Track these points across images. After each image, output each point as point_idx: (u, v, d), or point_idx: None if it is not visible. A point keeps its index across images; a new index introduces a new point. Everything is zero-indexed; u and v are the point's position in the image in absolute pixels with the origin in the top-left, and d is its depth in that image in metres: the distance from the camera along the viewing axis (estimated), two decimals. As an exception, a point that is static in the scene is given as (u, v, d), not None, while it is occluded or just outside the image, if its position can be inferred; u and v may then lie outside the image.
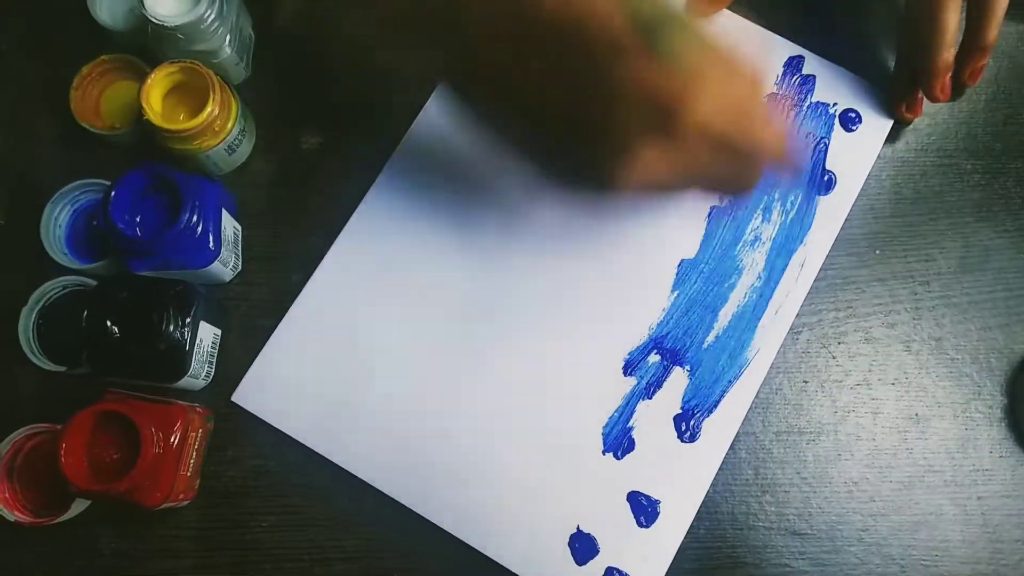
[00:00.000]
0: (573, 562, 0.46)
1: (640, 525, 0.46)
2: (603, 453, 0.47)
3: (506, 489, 0.47)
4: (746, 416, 0.48)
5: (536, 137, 0.38)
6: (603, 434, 0.48)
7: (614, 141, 0.35)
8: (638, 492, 0.47)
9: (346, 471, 0.47)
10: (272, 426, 0.47)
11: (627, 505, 0.47)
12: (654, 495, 0.47)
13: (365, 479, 0.47)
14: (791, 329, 0.49)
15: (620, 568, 0.46)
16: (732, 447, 0.48)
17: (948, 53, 0.48)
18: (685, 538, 0.46)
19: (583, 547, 0.46)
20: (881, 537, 0.47)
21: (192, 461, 0.45)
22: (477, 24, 0.35)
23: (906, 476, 0.48)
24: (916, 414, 0.49)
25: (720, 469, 0.47)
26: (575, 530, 0.46)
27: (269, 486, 0.47)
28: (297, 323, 0.49)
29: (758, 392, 0.48)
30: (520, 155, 0.40)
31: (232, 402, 0.48)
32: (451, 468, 0.47)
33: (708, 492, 0.47)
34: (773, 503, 0.47)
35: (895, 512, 0.47)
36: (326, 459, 0.47)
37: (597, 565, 0.46)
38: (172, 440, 0.43)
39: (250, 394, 0.48)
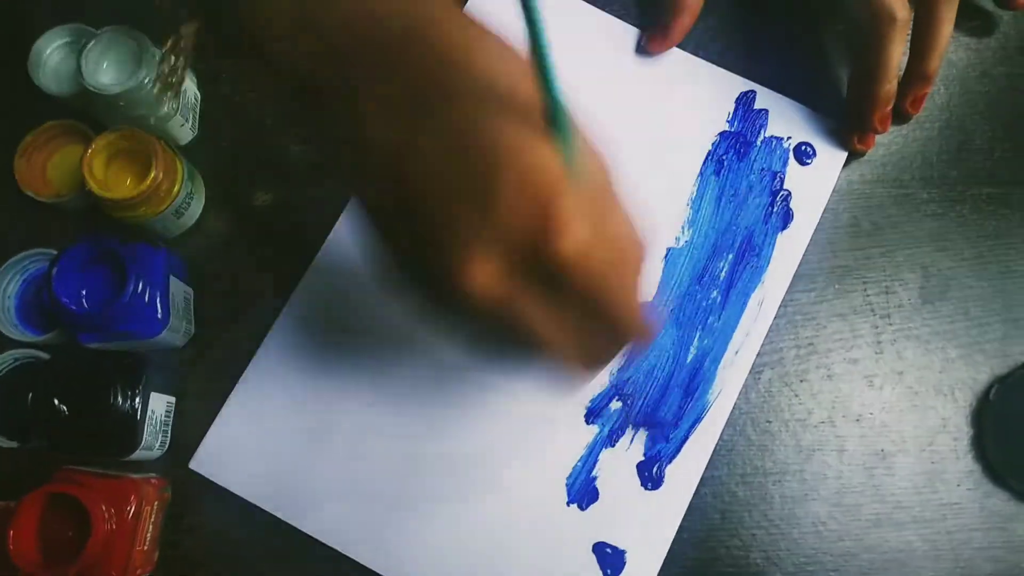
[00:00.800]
0: None
1: None
2: (567, 504, 0.47)
3: (473, 546, 0.46)
4: (710, 460, 0.47)
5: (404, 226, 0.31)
6: (567, 485, 0.47)
7: (464, 235, 0.28)
8: (604, 543, 0.46)
9: (309, 536, 0.46)
10: (231, 492, 0.47)
11: (593, 557, 0.46)
12: (620, 545, 0.46)
13: (329, 543, 0.46)
14: (752, 369, 0.49)
15: None
16: (697, 492, 0.47)
17: (890, 84, 0.48)
18: (653, 586, 0.46)
19: None
20: (852, 576, 0.47)
21: (148, 535, 0.44)
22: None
23: (874, 513, 0.47)
24: (882, 450, 0.48)
25: (686, 515, 0.47)
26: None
27: (231, 554, 0.47)
28: (252, 386, 0.48)
29: (721, 435, 0.48)
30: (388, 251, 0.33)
31: (190, 469, 0.47)
32: (415, 528, 0.46)
33: (674, 539, 0.47)
34: (740, 547, 0.47)
35: (865, 551, 0.47)
36: (288, 524, 0.46)
37: None
38: (126, 515, 0.42)
39: (207, 461, 0.47)
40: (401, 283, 0.32)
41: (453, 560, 0.46)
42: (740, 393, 0.48)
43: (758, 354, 0.49)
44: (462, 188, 0.28)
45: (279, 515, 0.46)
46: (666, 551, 0.46)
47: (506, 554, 0.46)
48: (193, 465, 0.47)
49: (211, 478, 0.47)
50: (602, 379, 0.48)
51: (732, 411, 0.48)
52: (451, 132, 0.29)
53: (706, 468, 0.47)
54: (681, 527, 0.47)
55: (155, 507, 0.44)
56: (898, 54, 0.47)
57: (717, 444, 0.48)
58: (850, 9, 0.49)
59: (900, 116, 0.51)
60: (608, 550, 0.46)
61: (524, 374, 0.35)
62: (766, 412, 0.48)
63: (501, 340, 0.32)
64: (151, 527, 0.44)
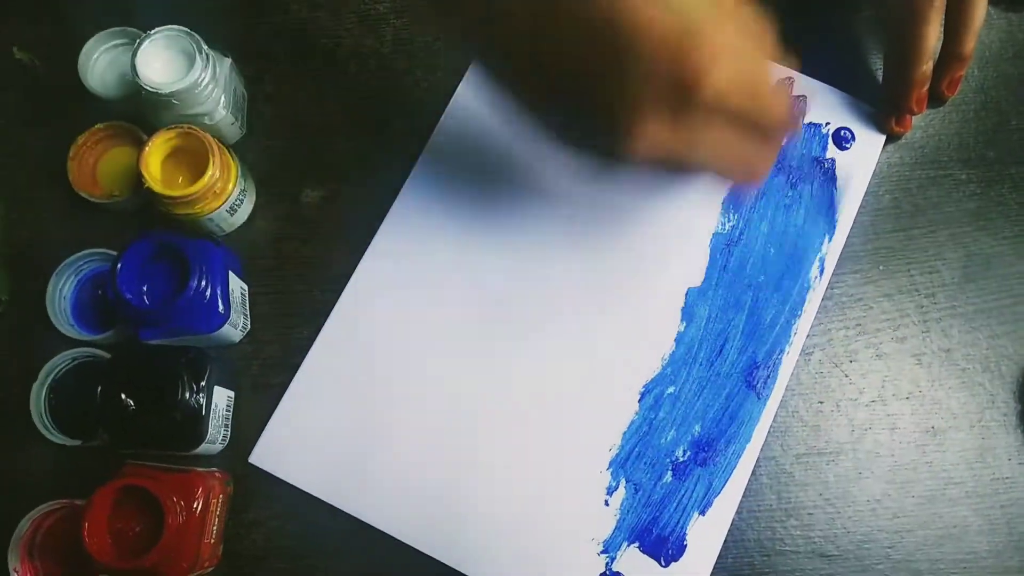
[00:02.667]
0: None
1: (663, 565, 0.46)
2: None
3: (534, 536, 0.46)
4: (765, 440, 0.48)
5: (555, 105, 0.37)
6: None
7: (624, 105, 0.33)
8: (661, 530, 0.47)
9: (370, 526, 0.47)
10: (292, 485, 0.47)
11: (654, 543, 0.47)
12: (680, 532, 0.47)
13: (390, 532, 0.46)
14: (803, 351, 0.49)
15: None
16: (754, 472, 0.48)
17: (926, 66, 0.49)
18: (715, 568, 0.46)
19: None
20: (908, 553, 0.47)
21: (215, 528, 0.44)
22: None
23: (928, 490, 0.48)
24: (932, 427, 0.49)
25: (744, 496, 0.47)
26: (605, 569, 0.46)
27: (294, 547, 0.47)
28: (310, 379, 0.49)
29: (776, 416, 0.48)
30: (540, 127, 0.38)
31: (249, 463, 0.47)
32: (476, 516, 0.47)
33: (732, 520, 0.47)
34: (798, 527, 0.47)
35: (920, 527, 0.48)
36: (348, 517, 0.47)
37: None
38: (195, 509, 0.43)
39: (267, 455, 0.47)
40: (559, 144, 0.38)
41: (513, 547, 0.46)
42: (792, 375, 0.49)
43: (808, 335, 0.49)
44: (606, 61, 0.32)
45: (340, 505, 0.47)
46: (725, 534, 0.46)
47: (567, 544, 0.46)
48: (253, 460, 0.47)
49: (272, 472, 0.47)
50: (654, 364, 0.49)
51: (784, 392, 0.49)
52: (583, 18, 0.32)
53: (761, 449, 0.48)
54: (739, 507, 0.47)
55: (220, 500, 0.45)
56: (934, 35, 0.48)
57: (771, 425, 0.48)
58: None
59: (936, 98, 0.52)
60: (669, 537, 0.47)
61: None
62: (818, 393, 0.49)
63: (674, 172, 0.38)
64: (217, 520, 0.44)
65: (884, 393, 0.49)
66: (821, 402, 0.49)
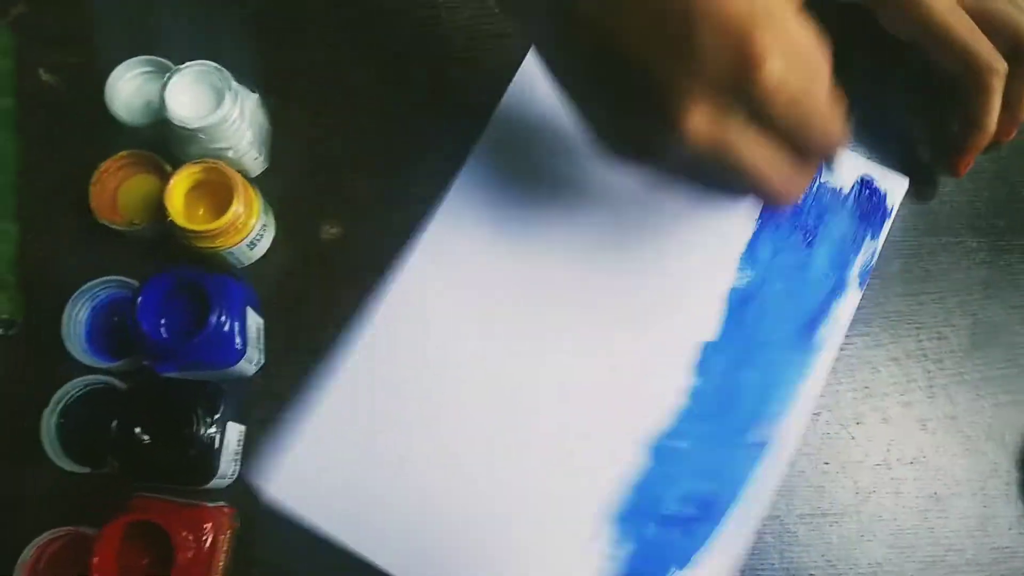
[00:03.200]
0: None
1: None
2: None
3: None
4: (771, 500, 0.48)
5: (608, 93, 0.37)
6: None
7: (677, 87, 0.33)
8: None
9: (374, 571, 0.47)
10: (298, 524, 0.47)
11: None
12: None
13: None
14: (812, 412, 0.50)
15: None
16: (757, 530, 0.48)
17: (990, 132, 0.50)
18: (714, 626, 0.47)
19: None
20: (907, 618, 0.48)
21: (221, 564, 0.44)
22: None
23: (928, 556, 0.48)
24: (935, 493, 0.49)
25: (747, 554, 0.48)
26: None
27: (297, 584, 0.47)
28: (323, 415, 0.49)
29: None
30: (589, 120, 0.39)
31: (257, 500, 0.47)
32: (489, 557, 0.47)
33: (735, 578, 0.47)
34: (799, 587, 0.48)
35: (919, 592, 0.48)
36: (354, 560, 0.47)
37: None
38: (204, 544, 0.43)
39: (277, 489, 0.47)
40: (604, 145, 0.39)
41: None
42: (799, 435, 0.49)
43: (818, 396, 0.50)
44: (667, 42, 0.33)
45: (350, 546, 0.46)
46: None
47: None
48: (263, 493, 0.47)
49: (282, 506, 0.47)
50: (663, 416, 0.49)
51: (793, 452, 0.49)
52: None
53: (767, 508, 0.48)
54: (741, 566, 0.47)
55: (228, 536, 0.45)
56: (999, 103, 0.49)
57: (779, 484, 0.49)
58: (938, 65, 0.50)
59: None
60: None
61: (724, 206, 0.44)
62: (824, 453, 0.49)
63: (708, 179, 0.39)
64: (224, 557, 0.44)
65: (889, 457, 0.50)
66: (827, 463, 0.49)
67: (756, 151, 0.35)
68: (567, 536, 0.47)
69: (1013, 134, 0.52)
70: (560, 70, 0.39)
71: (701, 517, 0.48)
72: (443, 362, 0.50)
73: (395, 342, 0.50)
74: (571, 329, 0.51)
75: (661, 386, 0.50)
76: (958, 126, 0.51)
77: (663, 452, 0.49)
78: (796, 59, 0.33)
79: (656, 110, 0.34)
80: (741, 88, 0.33)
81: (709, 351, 0.50)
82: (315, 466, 0.48)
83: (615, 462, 0.48)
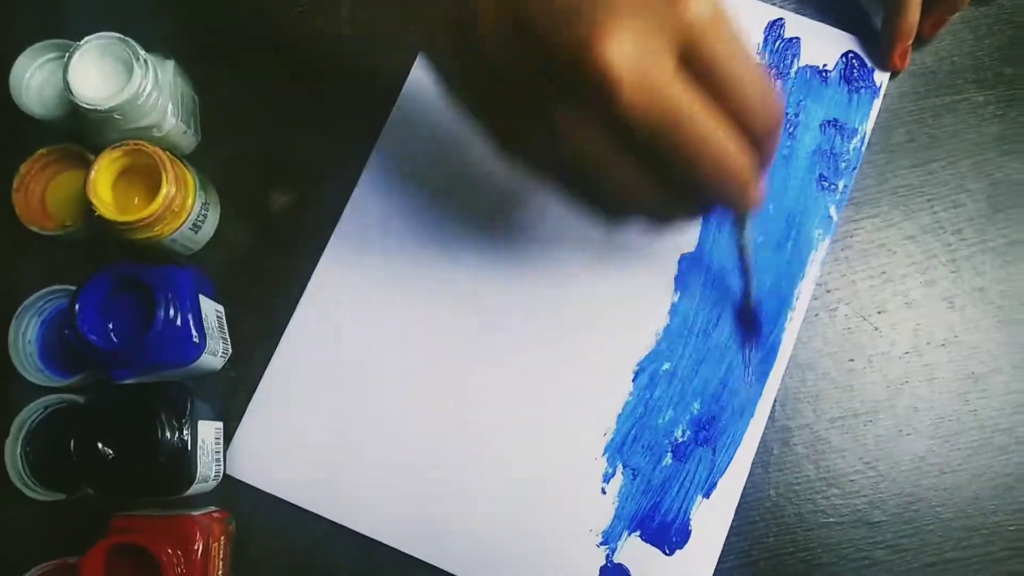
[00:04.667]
0: None
1: (668, 553, 0.43)
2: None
3: (528, 531, 0.44)
4: (797, 408, 0.45)
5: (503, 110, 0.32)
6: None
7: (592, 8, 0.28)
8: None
9: (383, 545, 0.44)
10: (299, 511, 0.44)
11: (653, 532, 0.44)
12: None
13: (377, 538, 0.44)
14: (827, 307, 0.46)
15: None
16: (787, 443, 0.45)
17: (914, 17, 0.45)
18: (756, 548, 0.43)
19: None
20: (960, 510, 0.44)
21: (220, 572, 0.41)
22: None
23: (974, 441, 0.45)
24: (973, 373, 0.45)
25: (779, 469, 0.44)
26: (605, 562, 0.43)
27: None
28: (277, 383, 0.45)
29: (805, 379, 0.45)
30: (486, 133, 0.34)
31: (254, 496, 0.44)
32: (468, 516, 0.44)
33: (770, 495, 0.44)
34: (840, 495, 0.44)
35: (970, 481, 0.44)
36: (362, 537, 0.44)
37: None
38: (195, 555, 0.39)
39: (241, 464, 0.44)
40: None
41: (509, 545, 0.44)
42: (818, 334, 0.45)
43: (831, 290, 0.46)
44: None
45: (324, 514, 0.44)
46: (731, 518, 0.43)
47: (562, 538, 0.44)
48: (229, 470, 0.44)
49: (248, 481, 0.44)
50: (647, 339, 0.45)
51: (812, 353, 0.45)
52: None
53: (793, 416, 0.45)
54: (775, 482, 0.44)
55: (222, 542, 0.42)
56: None
57: (801, 391, 0.45)
58: None
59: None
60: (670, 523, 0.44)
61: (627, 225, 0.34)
62: (848, 350, 0.46)
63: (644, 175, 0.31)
64: (221, 564, 0.41)
65: (918, 343, 0.46)
66: (852, 360, 0.46)
67: (702, 114, 0.29)
68: (567, 480, 0.44)
69: (939, 29, 0.47)
70: (457, 90, 0.34)
71: (705, 440, 0.44)
72: (403, 316, 0.46)
73: (342, 302, 0.46)
74: (541, 264, 0.47)
75: (644, 309, 0.46)
76: (884, 14, 0.47)
77: (649, 376, 0.45)
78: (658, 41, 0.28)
79: (573, 33, 0.28)
80: (668, 22, 0.28)
81: (687, 264, 0.46)
82: (273, 436, 0.45)
83: (607, 395, 0.45)
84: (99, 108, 0.42)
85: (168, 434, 0.39)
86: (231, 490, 0.44)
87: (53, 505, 0.43)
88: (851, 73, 0.48)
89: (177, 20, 0.50)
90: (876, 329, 0.46)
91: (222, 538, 0.42)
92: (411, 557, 0.43)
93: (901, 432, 0.45)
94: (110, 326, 0.41)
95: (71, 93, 0.42)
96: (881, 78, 0.48)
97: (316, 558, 0.44)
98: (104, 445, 0.39)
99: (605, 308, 0.46)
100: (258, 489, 0.44)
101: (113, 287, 0.41)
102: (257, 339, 0.46)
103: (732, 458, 0.44)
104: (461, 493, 0.44)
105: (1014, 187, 0.47)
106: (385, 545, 0.44)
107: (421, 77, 0.49)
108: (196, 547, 0.39)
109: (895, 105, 0.48)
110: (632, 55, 0.27)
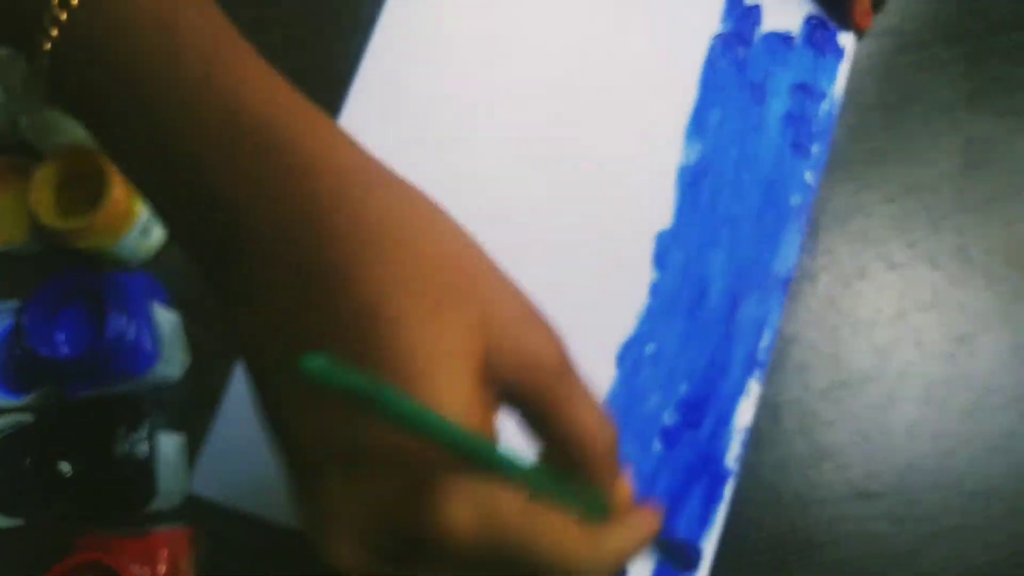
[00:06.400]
0: None
1: None
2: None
3: None
4: (786, 382, 0.43)
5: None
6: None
7: (325, 496, 0.22)
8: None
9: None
10: (269, 527, 0.42)
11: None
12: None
13: None
14: (808, 275, 0.44)
15: None
16: (777, 418, 0.43)
17: None
18: (753, 531, 0.42)
19: None
20: (956, 475, 0.43)
21: (190, 590, 0.39)
22: None
23: (967, 403, 0.44)
24: (961, 334, 0.44)
25: (771, 446, 0.43)
26: None
27: (284, 592, 0.42)
28: (244, 394, 0.43)
29: (791, 353, 0.44)
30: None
31: (221, 511, 0.42)
32: None
33: (764, 474, 0.42)
34: (834, 469, 0.43)
35: (964, 445, 0.43)
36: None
37: None
38: (162, 573, 0.37)
39: (208, 481, 0.42)
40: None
41: None
42: (802, 304, 0.44)
43: (813, 257, 0.45)
44: (325, 439, 0.22)
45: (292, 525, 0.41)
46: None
47: None
48: (196, 488, 0.42)
49: (217, 498, 0.42)
50: (628, 322, 0.44)
51: (796, 325, 0.44)
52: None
53: (781, 391, 0.43)
54: (767, 461, 0.42)
55: (190, 558, 0.39)
56: None
57: (787, 364, 0.43)
58: None
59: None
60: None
61: None
62: (832, 318, 0.44)
63: None
64: (191, 581, 0.39)
65: (903, 306, 0.44)
66: (837, 328, 0.44)
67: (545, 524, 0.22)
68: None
69: None
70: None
71: (695, 423, 0.42)
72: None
73: None
74: (523, 246, 0.45)
75: (623, 290, 0.44)
76: None
77: (633, 361, 0.43)
78: (491, 497, 0.22)
79: (303, 518, 0.23)
80: (409, 532, 0.22)
81: (665, 240, 0.45)
82: (239, 455, 0.42)
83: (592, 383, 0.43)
84: (40, 110, 0.40)
85: (126, 447, 0.37)
86: (199, 508, 0.42)
87: (14, 531, 0.41)
88: (815, 36, 0.47)
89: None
90: (860, 295, 0.45)
91: (190, 554, 0.39)
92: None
93: (892, 399, 0.44)
94: (61, 337, 0.39)
95: (10, 91, 0.40)
96: (846, 40, 0.47)
97: (288, 571, 0.42)
98: (60, 462, 0.37)
99: (582, 293, 0.44)
100: (227, 507, 0.42)
101: (62, 297, 0.39)
102: (217, 346, 0.44)
103: (722, 439, 0.42)
104: None
105: (987, 142, 0.46)
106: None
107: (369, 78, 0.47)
108: (163, 564, 0.37)
109: (864, 67, 0.47)
110: (471, 513, 0.21)
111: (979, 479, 0.43)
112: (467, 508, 0.21)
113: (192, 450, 0.42)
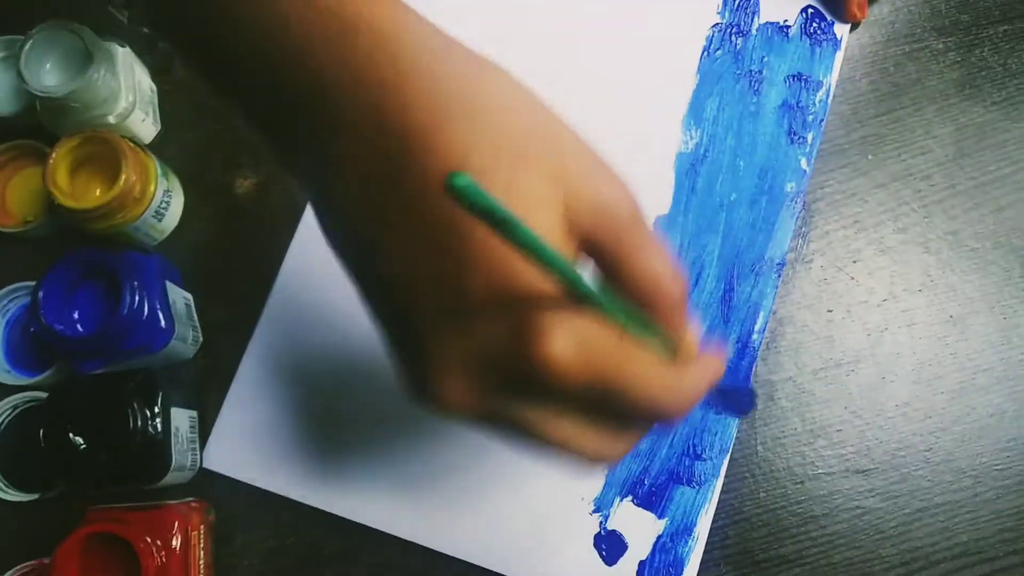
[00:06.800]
0: (603, 563, 0.42)
1: (661, 516, 0.43)
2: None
3: (520, 505, 0.43)
4: (779, 362, 0.45)
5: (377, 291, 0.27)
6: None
7: (433, 343, 0.24)
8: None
9: (364, 527, 0.43)
10: (279, 499, 0.43)
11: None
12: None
13: (364, 522, 0.43)
14: (803, 259, 0.46)
15: (651, 558, 0.42)
16: (771, 397, 0.44)
17: None
18: (748, 504, 0.43)
19: (610, 546, 0.43)
20: (947, 453, 0.44)
21: (201, 562, 0.40)
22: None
23: (956, 383, 0.45)
24: (951, 316, 0.45)
25: (765, 424, 0.44)
26: (599, 530, 0.43)
27: (292, 564, 0.43)
28: (254, 370, 0.44)
29: (786, 334, 0.45)
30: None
31: (232, 487, 0.43)
32: (458, 493, 0.43)
33: (758, 451, 0.44)
34: (828, 446, 0.44)
35: (955, 423, 0.44)
36: (343, 520, 0.43)
37: (629, 561, 0.42)
38: (174, 546, 0.38)
39: (221, 456, 0.43)
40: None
41: (499, 520, 0.43)
42: (796, 287, 0.45)
43: (808, 241, 0.46)
44: (429, 292, 0.24)
45: (308, 501, 0.43)
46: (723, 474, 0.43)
47: (555, 507, 0.43)
48: (207, 464, 0.43)
49: (229, 474, 0.43)
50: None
51: (790, 307, 0.45)
52: (419, 221, 0.24)
53: (775, 370, 0.44)
54: (762, 438, 0.44)
55: (202, 531, 0.41)
56: None
57: (783, 344, 0.45)
58: None
59: None
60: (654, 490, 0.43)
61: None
62: (825, 301, 0.45)
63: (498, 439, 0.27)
64: (202, 553, 0.40)
65: (895, 289, 0.46)
66: (830, 310, 0.45)
67: (547, 419, 0.25)
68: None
69: None
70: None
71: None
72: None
73: (316, 283, 0.45)
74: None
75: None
76: None
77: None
78: (593, 342, 0.24)
79: (412, 367, 0.25)
80: (515, 364, 0.23)
81: (661, 225, 0.46)
82: (251, 430, 0.43)
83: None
84: (54, 95, 0.41)
85: (140, 422, 0.38)
86: (210, 482, 0.43)
87: (28, 506, 0.42)
88: (811, 27, 0.48)
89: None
90: (852, 278, 0.46)
91: (202, 527, 0.41)
92: (396, 538, 0.43)
93: (884, 379, 0.45)
94: (75, 315, 0.40)
95: (25, 82, 0.41)
96: (841, 30, 0.48)
97: (298, 544, 0.43)
98: (75, 436, 0.38)
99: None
100: (237, 480, 0.43)
101: (77, 275, 0.40)
102: (228, 326, 0.45)
103: (718, 417, 0.44)
104: (447, 470, 0.43)
105: (979, 130, 0.47)
106: (368, 527, 0.43)
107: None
108: (175, 536, 0.38)
109: (857, 56, 0.48)
110: (572, 346, 0.23)
111: (968, 457, 0.44)
112: (569, 340, 0.23)
113: (204, 426, 0.44)
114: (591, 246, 0.25)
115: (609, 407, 0.25)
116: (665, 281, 0.25)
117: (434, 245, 0.23)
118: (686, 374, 0.26)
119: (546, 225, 0.23)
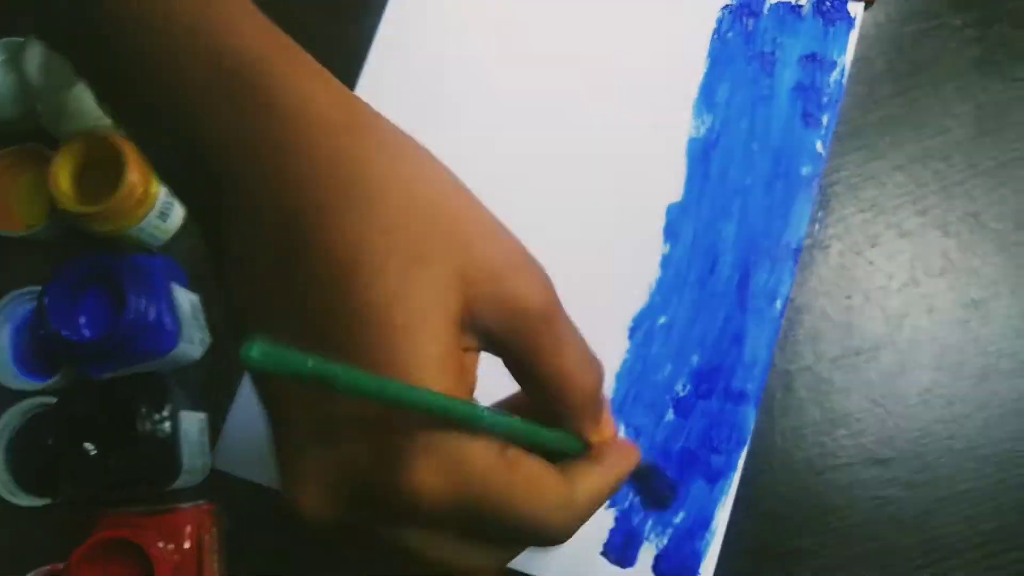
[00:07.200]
0: (619, 558, 0.42)
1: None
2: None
3: None
4: (797, 351, 0.44)
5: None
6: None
7: (291, 444, 0.22)
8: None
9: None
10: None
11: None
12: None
13: None
14: (820, 244, 0.45)
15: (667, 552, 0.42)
16: (789, 387, 0.43)
17: None
18: (766, 498, 0.42)
19: (626, 540, 0.42)
20: (969, 440, 0.43)
21: (216, 564, 0.40)
22: None
23: (979, 368, 0.44)
24: (972, 299, 0.44)
25: (783, 414, 0.43)
26: (614, 524, 0.42)
27: (307, 566, 0.43)
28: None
29: (803, 322, 0.44)
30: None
31: (243, 488, 0.43)
32: None
33: (777, 442, 0.43)
34: (848, 436, 0.43)
35: (978, 410, 0.43)
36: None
37: (646, 555, 0.42)
38: (187, 548, 0.38)
39: (230, 458, 0.43)
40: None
41: None
42: (813, 273, 0.44)
43: (825, 226, 0.45)
44: (294, 394, 0.22)
45: None
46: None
47: None
48: (217, 465, 0.43)
49: (239, 475, 0.43)
50: (640, 294, 0.44)
51: (807, 294, 0.44)
52: (298, 309, 0.22)
53: (793, 359, 0.44)
54: (781, 428, 0.43)
55: (214, 534, 0.40)
56: None
57: (800, 333, 0.44)
58: None
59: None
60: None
61: None
62: (843, 287, 0.44)
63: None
64: (216, 556, 0.40)
65: (915, 273, 0.45)
66: (849, 297, 0.44)
67: (421, 542, 0.22)
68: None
69: None
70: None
71: (707, 393, 0.43)
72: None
73: None
74: (537, 217, 0.45)
75: (634, 263, 0.45)
76: None
77: (645, 332, 0.44)
78: (460, 455, 0.21)
79: (275, 460, 0.23)
80: (378, 491, 0.22)
81: (675, 213, 0.45)
82: (261, 430, 0.43)
83: (603, 355, 0.43)
84: (55, 96, 0.40)
85: (149, 425, 0.38)
86: (221, 483, 0.43)
87: (40, 510, 0.42)
88: (824, 6, 0.47)
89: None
90: (871, 263, 0.45)
91: (214, 529, 0.40)
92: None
93: (905, 366, 0.44)
94: (82, 320, 0.40)
95: (28, 81, 0.41)
96: (855, 8, 0.47)
97: (311, 546, 0.43)
98: (85, 441, 0.38)
99: (595, 265, 0.45)
100: (249, 482, 0.43)
101: (82, 279, 0.39)
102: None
103: (735, 407, 0.43)
104: None
105: (999, 108, 0.46)
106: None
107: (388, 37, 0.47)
108: (187, 540, 0.38)
109: (872, 35, 0.47)
110: (439, 475, 0.21)
111: (991, 444, 0.43)
112: (434, 469, 0.21)
113: (214, 427, 0.43)
114: (495, 346, 0.23)
115: (487, 528, 0.23)
116: (575, 379, 0.24)
117: (309, 341, 0.21)
118: (586, 475, 0.25)
119: (430, 333, 0.21)
